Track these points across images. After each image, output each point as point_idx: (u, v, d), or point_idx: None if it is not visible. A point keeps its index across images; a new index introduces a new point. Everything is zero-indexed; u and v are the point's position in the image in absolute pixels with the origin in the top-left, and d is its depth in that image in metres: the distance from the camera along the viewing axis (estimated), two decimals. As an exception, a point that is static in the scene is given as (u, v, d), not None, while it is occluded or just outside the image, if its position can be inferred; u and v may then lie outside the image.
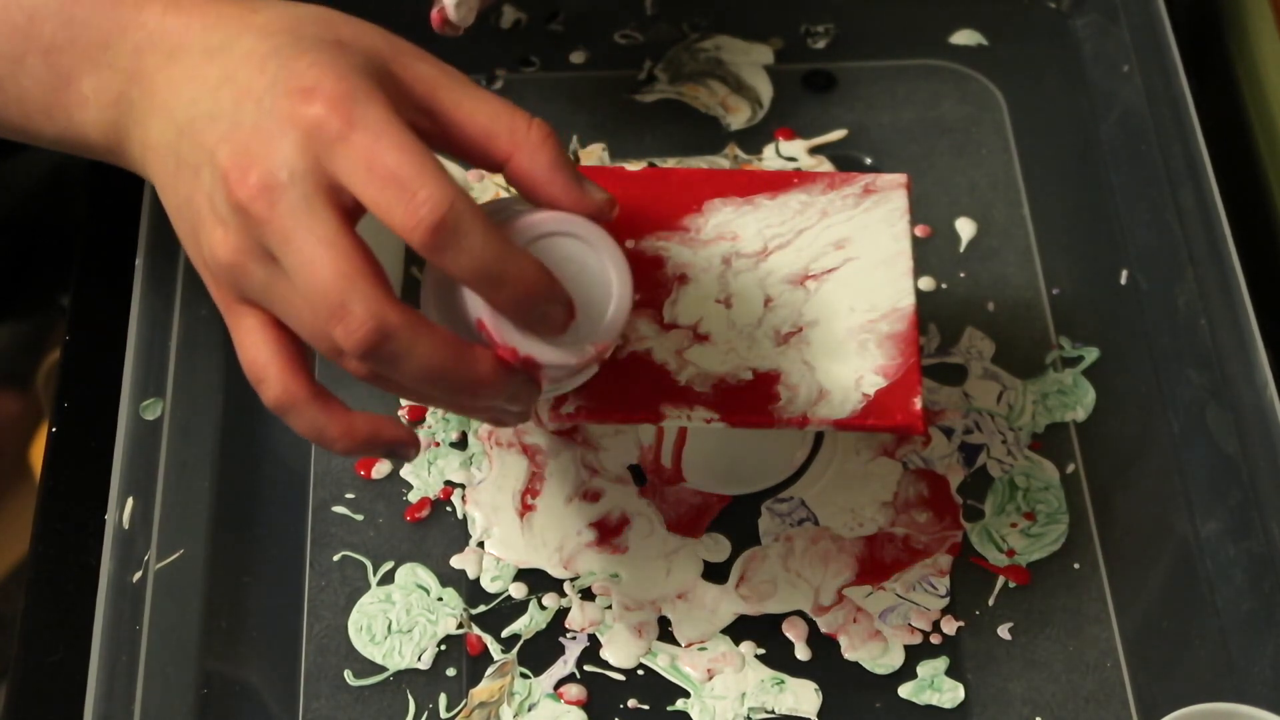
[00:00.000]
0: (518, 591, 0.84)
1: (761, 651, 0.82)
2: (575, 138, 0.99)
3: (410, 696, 0.81)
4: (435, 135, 0.70)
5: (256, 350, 0.69)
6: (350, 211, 0.67)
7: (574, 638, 0.83)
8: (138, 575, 0.82)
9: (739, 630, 0.83)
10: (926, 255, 0.95)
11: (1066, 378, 0.91)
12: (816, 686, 0.81)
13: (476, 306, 0.70)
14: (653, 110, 1.01)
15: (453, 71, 0.71)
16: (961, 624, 0.83)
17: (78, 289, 0.93)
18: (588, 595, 0.84)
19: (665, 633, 0.83)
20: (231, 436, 0.89)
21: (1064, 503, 0.87)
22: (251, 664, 0.82)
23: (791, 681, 0.81)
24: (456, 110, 0.70)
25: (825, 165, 0.98)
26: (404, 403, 0.89)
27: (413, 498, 0.87)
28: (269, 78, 0.67)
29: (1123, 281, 0.94)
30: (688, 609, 0.83)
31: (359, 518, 0.86)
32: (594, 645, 0.82)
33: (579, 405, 0.79)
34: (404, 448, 0.71)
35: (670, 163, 0.98)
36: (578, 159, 0.98)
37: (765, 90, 1.01)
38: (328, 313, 0.66)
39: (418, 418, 0.89)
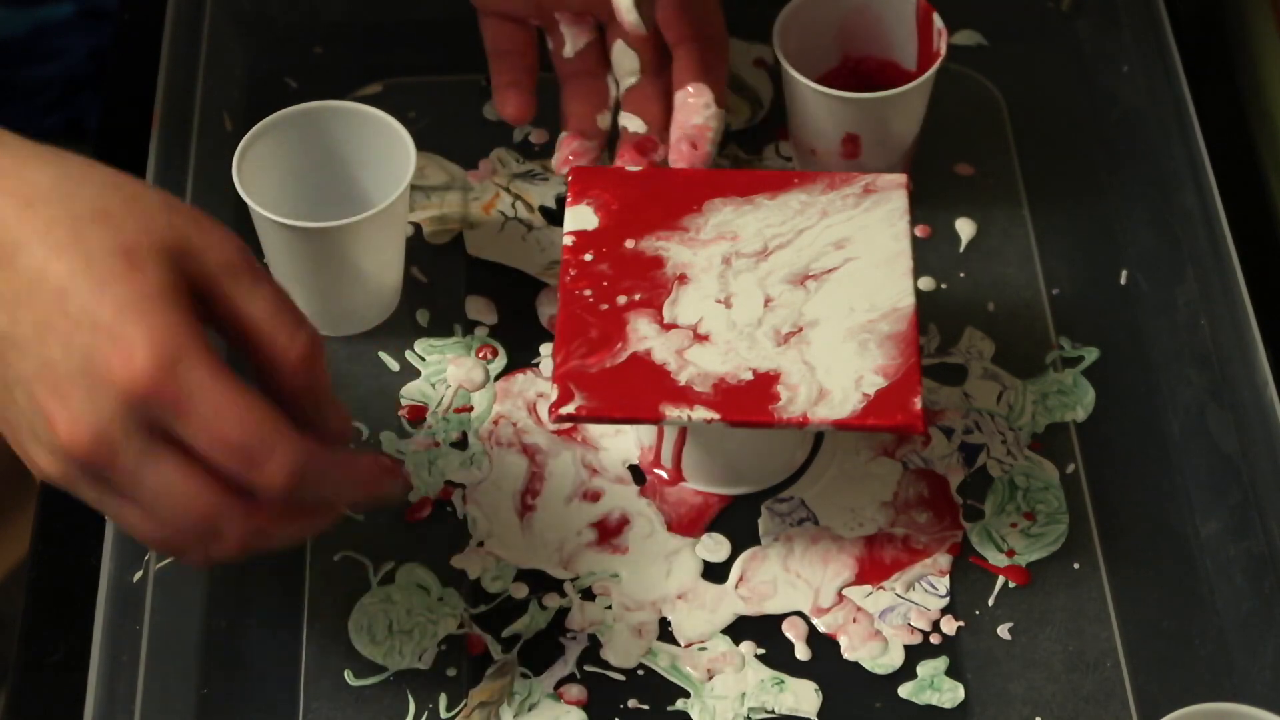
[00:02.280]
0: (518, 591, 0.84)
1: (761, 651, 0.82)
2: (575, 138, 0.99)
3: (410, 696, 0.81)
4: (216, 318, 0.70)
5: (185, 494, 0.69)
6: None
7: (574, 638, 0.83)
8: (138, 575, 0.82)
9: (739, 630, 0.83)
10: (926, 255, 0.95)
11: (1066, 378, 0.91)
12: (816, 686, 0.81)
13: None
14: (653, 110, 1.01)
15: (241, 260, 0.70)
16: (961, 624, 0.83)
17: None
18: (588, 595, 0.84)
19: (665, 633, 0.83)
20: (231, 436, 0.89)
21: (1064, 503, 0.87)
22: (251, 664, 0.82)
23: (791, 681, 0.81)
24: (235, 306, 0.70)
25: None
26: (403, 401, 0.89)
27: (413, 498, 0.87)
28: (71, 318, 0.66)
29: (1123, 281, 0.94)
30: (688, 609, 0.83)
31: (359, 518, 0.86)
32: (594, 645, 0.82)
33: (579, 405, 0.79)
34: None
35: (670, 163, 0.98)
36: (578, 159, 0.98)
37: (765, 90, 1.01)
38: (196, 541, 0.69)
39: (417, 418, 0.89)
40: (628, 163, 0.91)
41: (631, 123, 0.92)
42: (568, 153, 0.92)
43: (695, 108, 0.90)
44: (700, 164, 0.90)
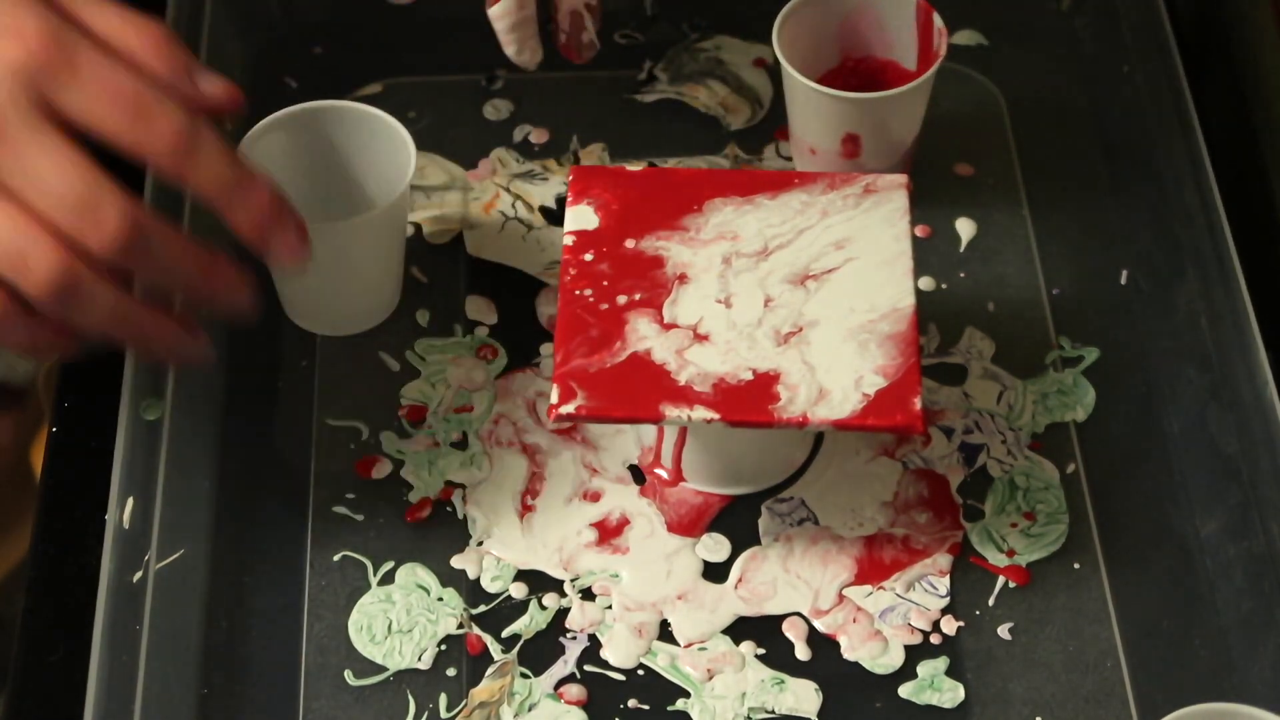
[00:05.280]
0: (518, 591, 0.84)
1: (761, 651, 0.82)
2: (575, 138, 0.99)
3: (410, 696, 0.81)
4: None
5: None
6: (78, 138, 0.70)
7: (574, 638, 0.83)
8: (138, 575, 0.82)
9: (739, 630, 0.83)
10: (926, 255, 0.95)
11: (1066, 378, 0.91)
12: (816, 686, 0.81)
13: None
14: (653, 110, 1.01)
15: None
16: (961, 624, 0.83)
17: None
18: (588, 595, 0.84)
19: (665, 633, 0.83)
20: (231, 436, 0.89)
21: (1064, 503, 0.87)
22: (251, 664, 0.82)
23: (791, 681, 0.81)
24: (89, 21, 0.72)
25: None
26: (403, 401, 0.89)
27: (413, 498, 0.87)
28: None
29: (1123, 281, 0.94)
30: (688, 609, 0.83)
31: (359, 518, 0.86)
32: (594, 645, 0.82)
33: (579, 405, 0.79)
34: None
35: (670, 163, 0.98)
36: (578, 159, 0.98)
37: (765, 90, 1.01)
38: (77, 217, 0.69)
39: (417, 418, 0.89)
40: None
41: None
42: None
43: None
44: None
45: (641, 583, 0.84)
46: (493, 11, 0.89)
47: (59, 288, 0.70)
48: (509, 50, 0.90)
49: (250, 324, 0.77)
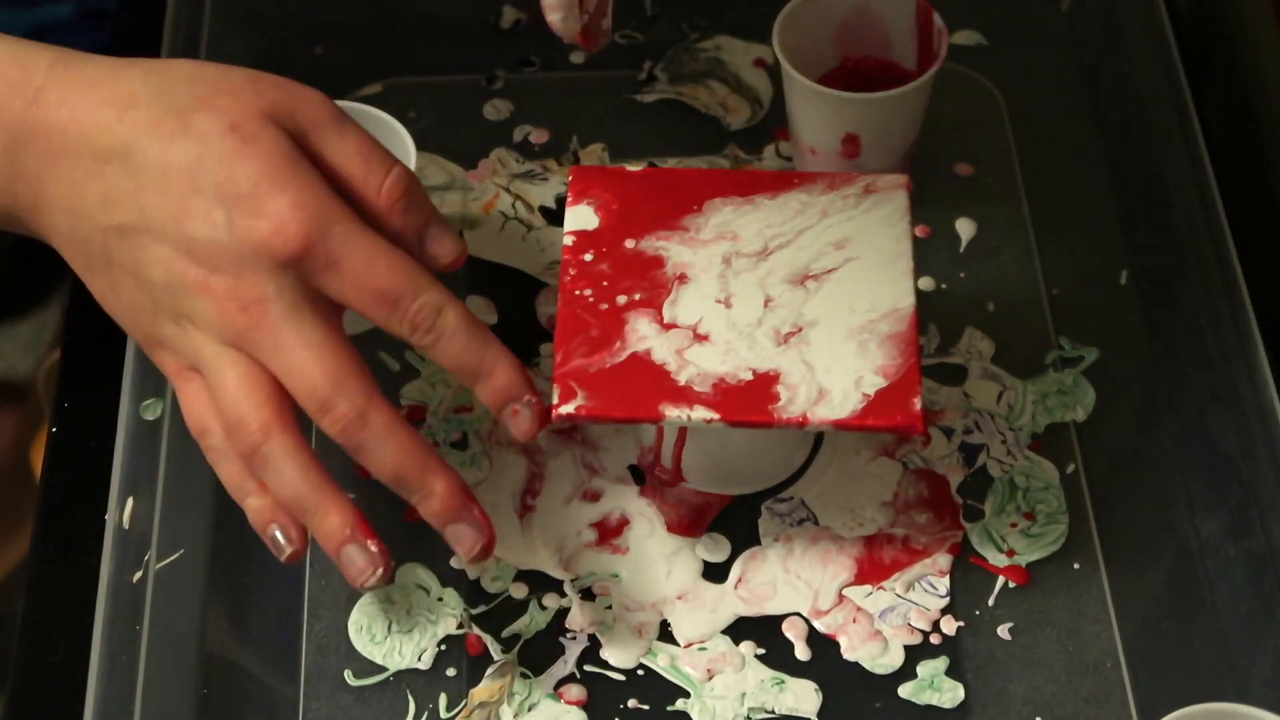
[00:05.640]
0: (518, 591, 0.84)
1: (761, 651, 0.82)
2: (575, 138, 0.99)
3: (410, 696, 0.81)
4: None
5: (196, 408, 0.76)
6: (333, 314, 0.74)
7: (574, 638, 0.83)
8: (138, 575, 0.82)
9: (739, 630, 0.83)
10: (926, 255, 0.95)
11: (1066, 378, 0.91)
12: (816, 686, 0.81)
13: None
14: (653, 110, 1.01)
15: (328, 112, 0.75)
16: (961, 624, 0.83)
17: (77, 289, 0.93)
18: (588, 595, 0.84)
19: (665, 633, 0.83)
20: (231, 436, 0.89)
21: (1064, 503, 0.87)
22: (251, 664, 0.82)
23: (791, 681, 0.81)
24: (328, 155, 0.75)
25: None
26: (403, 401, 0.89)
27: (413, 498, 0.87)
28: (206, 197, 0.72)
29: (1123, 281, 0.94)
30: (688, 609, 0.83)
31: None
32: (594, 645, 0.82)
33: (579, 405, 0.79)
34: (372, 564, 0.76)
35: (670, 163, 0.98)
36: (577, 159, 0.98)
37: (765, 90, 1.01)
38: (318, 406, 0.73)
39: (418, 418, 0.89)
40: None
41: None
42: None
43: None
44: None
45: (641, 583, 0.84)
46: None
47: (254, 453, 0.74)
48: (553, 18, 0.88)
49: (480, 559, 0.78)
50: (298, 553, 0.76)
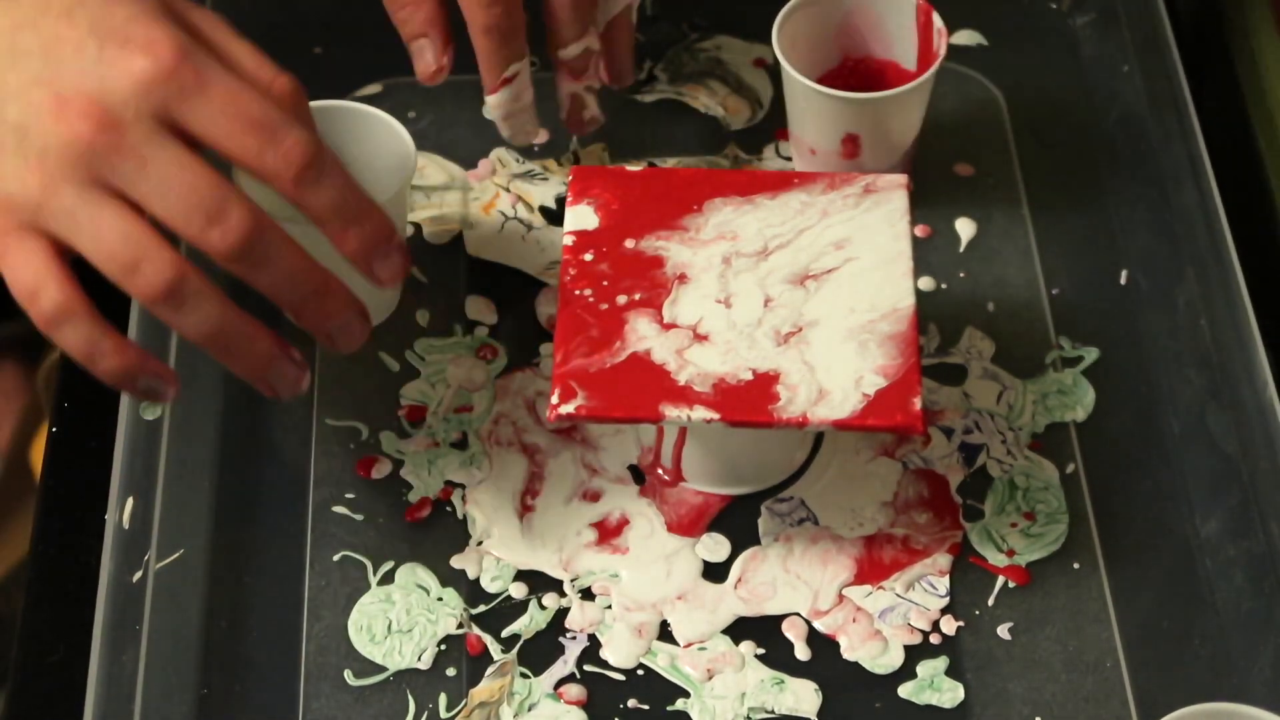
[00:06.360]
0: (518, 591, 0.84)
1: (761, 651, 0.82)
2: (575, 138, 0.99)
3: (410, 696, 0.81)
4: None
5: (32, 268, 0.71)
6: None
7: (574, 638, 0.83)
8: (138, 575, 0.82)
9: (739, 630, 0.83)
10: (926, 255, 0.95)
11: (1066, 378, 0.91)
12: (816, 686, 0.81)
13: None
14: (653, 110, 1.01)
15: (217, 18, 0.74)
16: (961, 624, 0.83)
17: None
18: (588, 595, 0.84)
19: (665, 633, 0.83)
20: (231, 436, 0.89)
21: (1064, 503, 0.87)
22: (251, 664, 0.82)
23: (791, 681, 0.81)
24: (224, 52, 0.73)
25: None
26: (403, 401, 0.89)
27: (413, 498, 0.87)
28: (82, 28, 0.70)
29: (1123, 281, 0.94)
30: (687, 609, 0.83)
31: (359, 518, 0.86)
32: (594, 645, 0.82)
33: (579, 405, 0.79)
34: (164, 384, 0.74)
35: (670, 163, 0.98)
36: (578, 159, 0.98)
37: (765, 90, 1.01)
38: (202, 217, 0.70)
39: (417, 418, 0.89)
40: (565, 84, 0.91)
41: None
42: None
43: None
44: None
45: (641, 583, 0.84)
46: (490, 100, 0.89)
47: (169, 292, 0.70)
48: (505, 134, 0.91)
49: (355, 354, 0.77)
50: (167, 398, 0.75)
